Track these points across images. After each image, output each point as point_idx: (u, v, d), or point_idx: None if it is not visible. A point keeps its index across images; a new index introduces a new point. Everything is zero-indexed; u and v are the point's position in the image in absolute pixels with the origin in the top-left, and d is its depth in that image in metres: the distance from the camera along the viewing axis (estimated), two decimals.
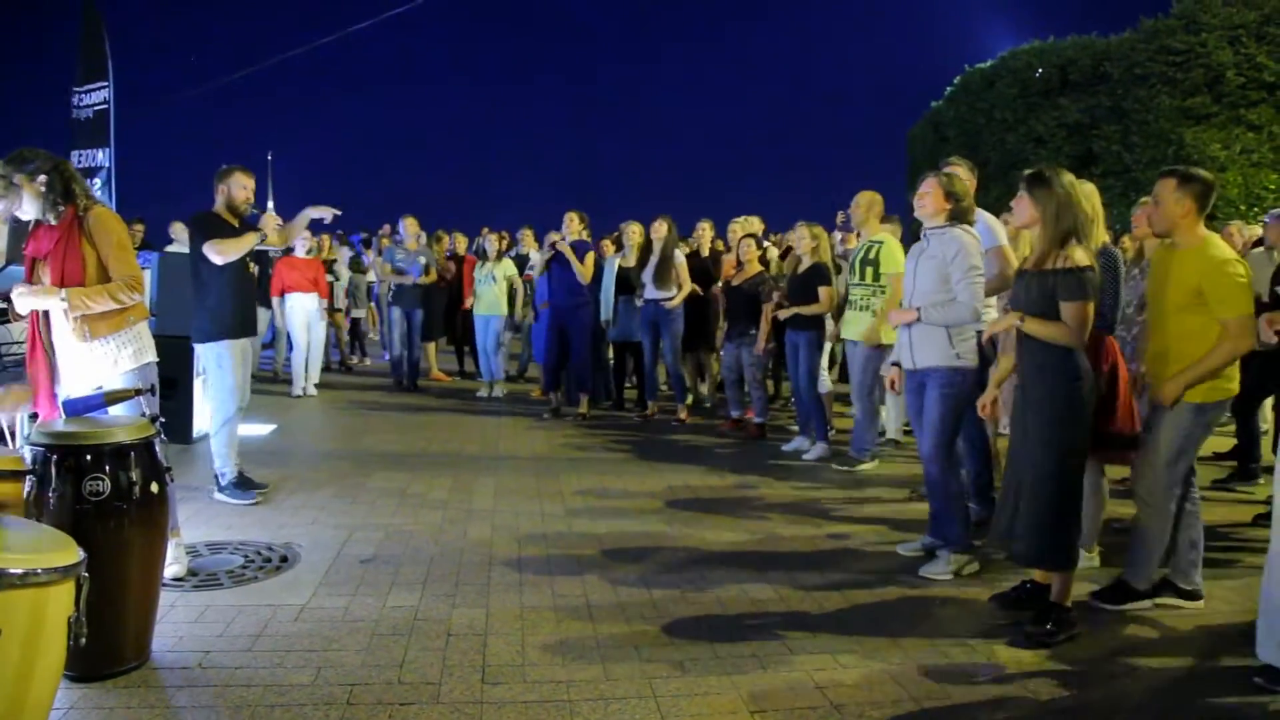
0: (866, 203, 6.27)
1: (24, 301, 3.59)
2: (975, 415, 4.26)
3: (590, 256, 8.12)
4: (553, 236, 9.21)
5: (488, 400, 9.41)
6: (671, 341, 8.02)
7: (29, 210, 3.67)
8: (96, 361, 3.74)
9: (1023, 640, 3.41)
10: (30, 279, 3.69)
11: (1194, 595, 3.78)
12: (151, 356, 3.92)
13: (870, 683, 3.06)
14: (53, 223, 3.65)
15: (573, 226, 8.21)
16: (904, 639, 3.43)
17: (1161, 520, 3.64)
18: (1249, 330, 3.46)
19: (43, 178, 3.60)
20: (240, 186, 5.17)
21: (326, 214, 5.52)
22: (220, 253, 4.96)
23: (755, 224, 8.88)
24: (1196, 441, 3.65)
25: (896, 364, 4.47)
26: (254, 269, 5.36)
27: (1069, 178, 3.46)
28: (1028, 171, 3.54)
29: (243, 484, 5.20)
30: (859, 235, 6.62)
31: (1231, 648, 3.37)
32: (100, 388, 3.71)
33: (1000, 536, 3.66)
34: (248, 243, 5.08)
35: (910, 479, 5.87)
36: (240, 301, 5.18)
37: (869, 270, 6.03)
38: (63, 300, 3.56)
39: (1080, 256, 3.35)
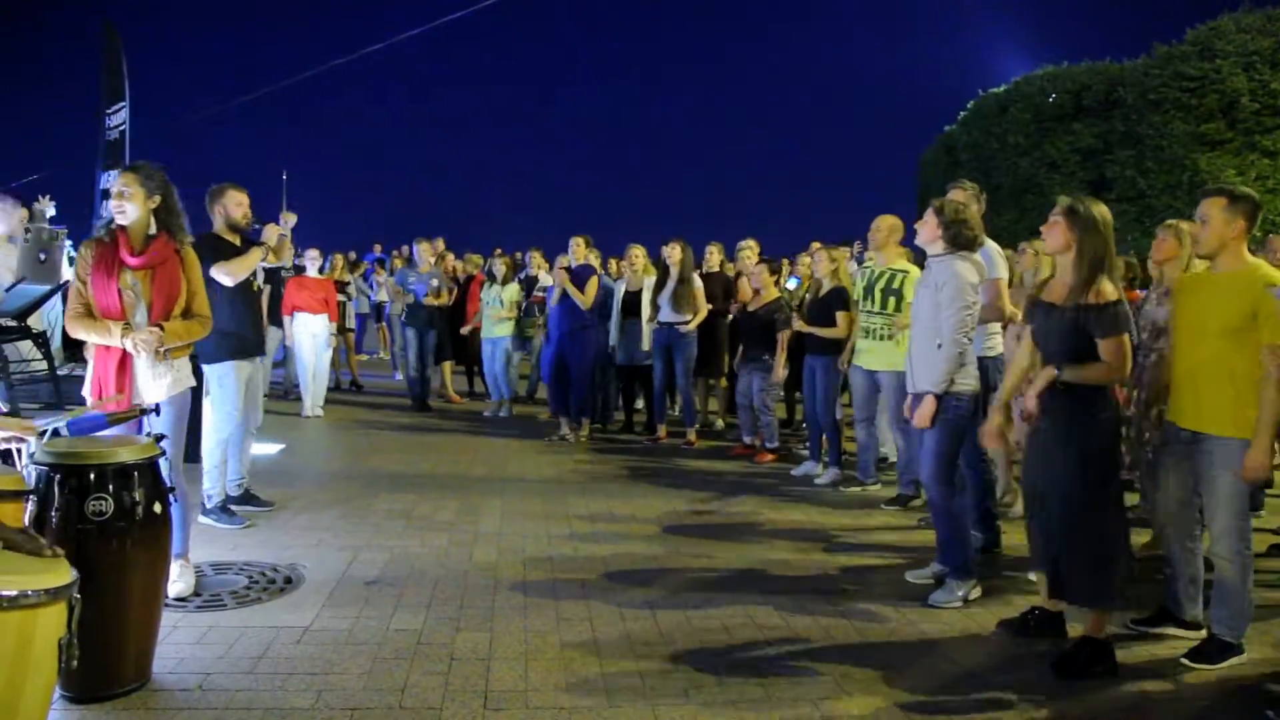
0: (889, 227, 6.10)
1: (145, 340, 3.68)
2: (974, 440, 4.22)
3: (593, 282, 8.11)
4: (562, 261, 9.23)
5: (496, 420, 9.41)
6: (685, 365, 8.01)
7: (138, 219, 3.78)
8: (157, 380, 3.79)
9: (1052, 671, 3.35)
10: (116, 283, 3.71)
11: (1195, 625, 3.73)
12: (190, 383, 3.98)
13: (878, 713, 3.01)
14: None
15: (579, 251, 8.26)
16: (911, 669, 3.38)
17: (1240, 567, 3.44)
18: None
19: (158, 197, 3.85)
20: (236, 204, 5.15)
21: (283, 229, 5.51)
22: (229, 274, 4.95)
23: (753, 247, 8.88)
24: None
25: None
26: (259, 286, 5.36)
27: (1103, 209, 3.43)
28: (1065, 201, 3.49)
29: (232, 505, 5.16)
30: (868, 259, 6.49)
31: (1250, 684, 3.30)
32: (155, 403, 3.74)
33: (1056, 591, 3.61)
34: (254, 259, 5.09)
35: (919, 505, 5.80)
36: (246, 322, 5.14)
37: (891, 300, 5.94)
38: (160, 333, 3.71)
39: (1110, 290, 3.32)
